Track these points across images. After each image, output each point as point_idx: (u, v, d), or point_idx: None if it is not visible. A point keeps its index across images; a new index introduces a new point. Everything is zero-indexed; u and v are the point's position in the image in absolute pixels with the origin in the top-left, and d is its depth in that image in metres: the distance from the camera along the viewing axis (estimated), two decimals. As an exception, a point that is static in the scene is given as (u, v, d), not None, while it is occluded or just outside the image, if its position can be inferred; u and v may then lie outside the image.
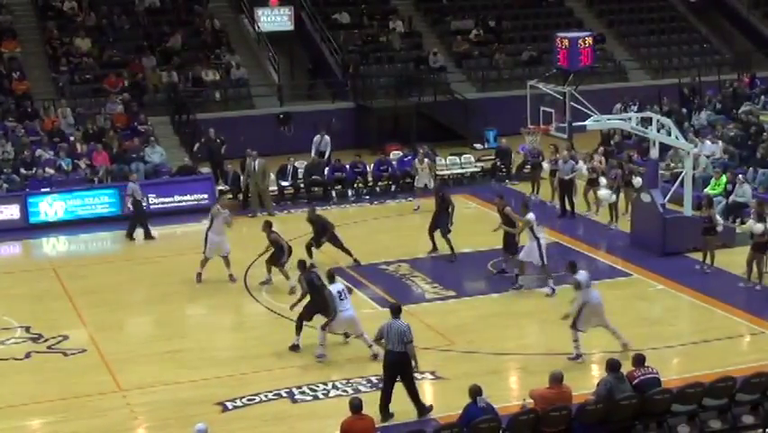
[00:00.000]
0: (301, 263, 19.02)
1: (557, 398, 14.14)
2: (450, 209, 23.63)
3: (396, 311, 16.02)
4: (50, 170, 28.76)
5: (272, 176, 29.37)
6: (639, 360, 14.91)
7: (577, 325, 17.78)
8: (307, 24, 38.99)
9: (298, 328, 18.54)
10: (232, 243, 24.02)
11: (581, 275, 17.96)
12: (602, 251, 24.63)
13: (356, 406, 13.53)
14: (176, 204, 28.34)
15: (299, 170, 30.16)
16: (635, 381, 14.56)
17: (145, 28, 37.55)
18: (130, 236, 26.33)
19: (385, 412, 15.67)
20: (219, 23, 38.21)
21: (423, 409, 15.82)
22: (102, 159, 29.48)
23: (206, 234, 22.45)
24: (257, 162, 28.17)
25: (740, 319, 19.91)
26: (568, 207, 27.10)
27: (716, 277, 22.29)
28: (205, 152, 30.62)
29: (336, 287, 17.99)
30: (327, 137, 31.85)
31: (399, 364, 15.65)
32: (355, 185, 30.33)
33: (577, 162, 27.50)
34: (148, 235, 26.33)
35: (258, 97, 36.21)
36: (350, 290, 18.48)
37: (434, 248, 23.96)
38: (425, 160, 28.53)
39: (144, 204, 27.24)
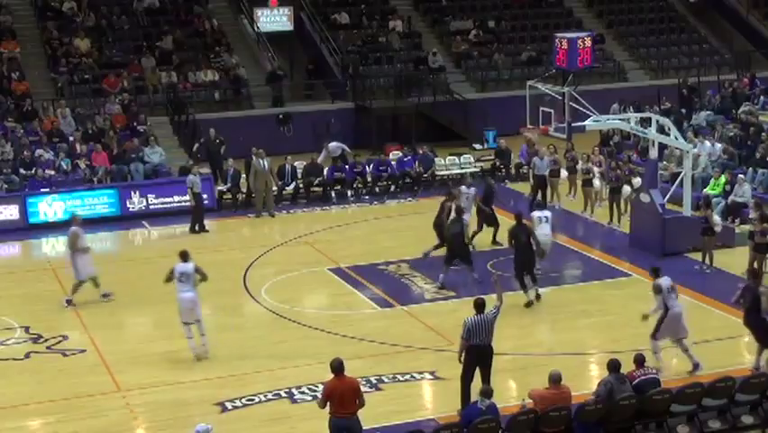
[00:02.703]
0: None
1: (556, 398, 14.23)
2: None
3: (480, 306, 15.99)
4: (50, 171, 28.86)
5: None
6: (639, 360, 14.98)
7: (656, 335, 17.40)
8: (307, 25, 39.07)
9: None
10: (233, 243, 24.09)
11: (663, 280, 17.47)
12: (601, 251, 24.65)
13: (338, 366, 13.78)
14: (176, 204, 28.38)
15: (298, 171, 30.17)
16: (635, 381, 14.65)
17: (144, 28, 37.62)
18: (193, 230, 26.57)
19: (468, 399, 15.72)
20: (218, 23, 38.30)
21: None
22: (101, 159, 29.55)
23: (73, 258, 21.36)
24: (265, 161, 28.07)
25: (739, 320, 19.55)
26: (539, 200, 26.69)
27: (715, 277, 22.34)
28: (205, 153, 30.64)
29: (182, 267, 18.52)
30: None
31: (487, 356, 15.85)
32: (354, 185, 30.34)
33: (577, 162, 27.60)
34: (202, 228, 26.61)
35: (257, 97, 36.24)
36: (203, 277, 18.77)
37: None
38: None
39: (144, 204, 27.28)
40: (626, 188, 26.25)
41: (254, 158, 28.13)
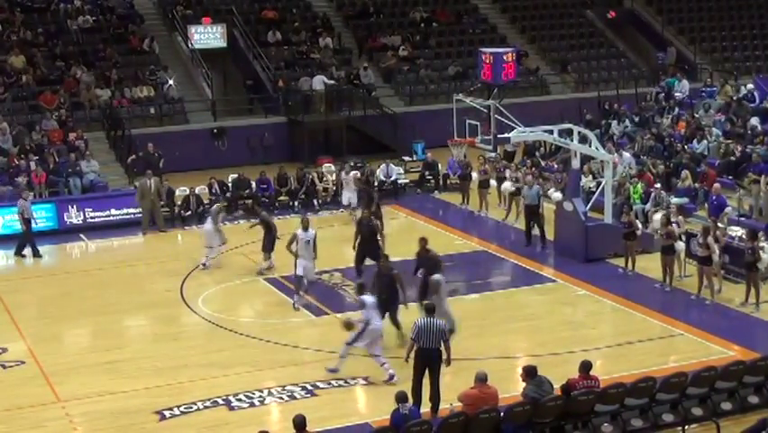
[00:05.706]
0: None
1: (483, 396, 14.63)
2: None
3: (431, 311, 16.45)
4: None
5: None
6: (585, 367, 15.16)
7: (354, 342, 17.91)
8: (240, 42, 39.34)
9: None
10: (169, 255, 24.20)
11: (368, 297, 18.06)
12: (527, 257, 25.12)
13: (300, 422, 13.62)
14: (113, 217, 28.67)
15: (228, 185, 30.54)
16: (575, 391, 14.84)
17: (80, 46, 37.59)
18: (19, 254, 26.39)
19: (420, 400, 16.15)
20: (153, 40, 38.42)
21: (438, 407, 16.29)
22: (40, 180, 29.49)
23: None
24: (152, 181, 28.43)
25: (658, 322, 20.54)
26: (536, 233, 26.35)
27: (636, 281, 22.96)
28: (143, 166, 30.85)
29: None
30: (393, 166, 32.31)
31: (434, 360, 16.27)
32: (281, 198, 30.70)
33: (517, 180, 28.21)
34: (36, 254, 26.35)
35: (192, 113, 36.49)
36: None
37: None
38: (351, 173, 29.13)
39: (81, 218, 27.49)
40: (557, 195, 26.93)
41: (144, 179, 28.46)
